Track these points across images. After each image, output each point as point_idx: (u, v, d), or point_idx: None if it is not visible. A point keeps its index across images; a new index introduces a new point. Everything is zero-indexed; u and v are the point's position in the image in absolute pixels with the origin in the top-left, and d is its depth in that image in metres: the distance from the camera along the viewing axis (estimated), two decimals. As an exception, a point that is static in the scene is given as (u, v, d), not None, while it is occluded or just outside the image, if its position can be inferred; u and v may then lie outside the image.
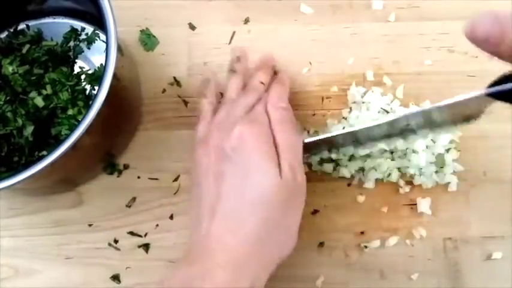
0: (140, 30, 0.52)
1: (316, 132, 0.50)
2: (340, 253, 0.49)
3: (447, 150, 0.49)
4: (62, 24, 0.51)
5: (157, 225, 0.49)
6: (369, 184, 0.49)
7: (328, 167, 0.49)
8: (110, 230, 0.49)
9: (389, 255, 0.49)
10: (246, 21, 0.53)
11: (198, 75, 0.51)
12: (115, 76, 0.38)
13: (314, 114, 0.51)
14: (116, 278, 0.48)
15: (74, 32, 0.50)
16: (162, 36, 0.52)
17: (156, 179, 0.50)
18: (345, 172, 0.49)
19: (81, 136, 0.37)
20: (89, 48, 0.51)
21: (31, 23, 0.51)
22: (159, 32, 0.52)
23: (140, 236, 0.49)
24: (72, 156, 0.38)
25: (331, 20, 0.53)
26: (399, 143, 0.48)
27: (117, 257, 0.49)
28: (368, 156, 0.48)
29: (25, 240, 0.49)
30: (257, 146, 0.39)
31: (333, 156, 0.49)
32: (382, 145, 0.47)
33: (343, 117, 0.50)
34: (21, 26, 0.51)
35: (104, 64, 0.38)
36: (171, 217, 0.49)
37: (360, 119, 0.49)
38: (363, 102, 0.50)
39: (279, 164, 0.39)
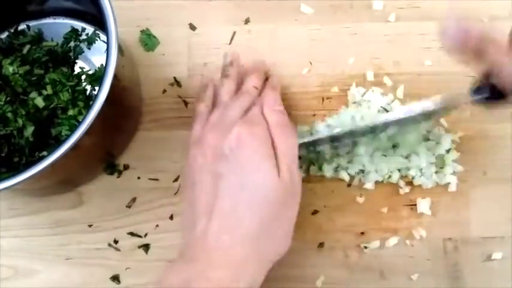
0: (140, 31, 0.53)
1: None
2: (340, 253, 0.49)
3: (447, 151, 0.49)
4: (63, 24, 0.51)
5: (157, 225, 0.49)
6: (369, 185, 0.49)
7: (329, 172, 0.49)
8: (110, 230, 0.49)
9: (389, 255, 0.49)
10: (247, 21, 0.53)
11: (199, 76, 0.51)
12: (115, 76, 0.38)
13: (314, 115, 0.51)
14: (115, 278, 0.48)
15: (74, 33, 0.50)
16: (163, 36, 0.52)
17: (156, 179, 0.50)
18: (344, 175, 0.49)
19: (82, 136, 0.37)
20: (89, 49, 0.51)
21: (31, 23, 0.51)
22: (160, 32, 0.52)
23: (140, 236, 0.49)
24: (73, 156, 0.38)
25: (331, 20, 0.53)
26: (402, 148, 0.48)
27: (117, 258, 0.49)
28: (369, 157, 0.49)
29: (25, 240, 0.49)
30: (256, 147, 0.39)
31: (327, 157, 0.49)
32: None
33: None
34: (22, 27, 0.51)
35: (104, 64, 0.38)
36: (171, 217, 0.49)
37: (357, 118, 0.49)
38: (364, 101, 0.50)
39: (277, 165, 0.39)
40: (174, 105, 0.51)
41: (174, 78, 0.52)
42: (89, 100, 0.47)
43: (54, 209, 0.50)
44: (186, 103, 0.51)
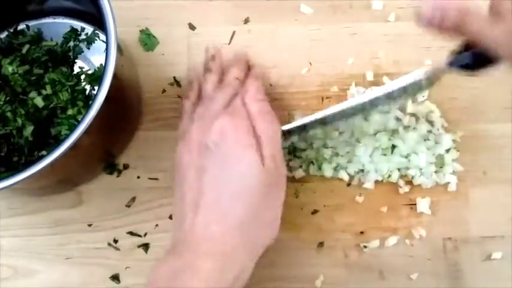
0: (140, 30, 0.53)
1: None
2: (339, 253, 0.49)
3: (447, 151, 0.49)
4: (62, 24, 0.51)
5: (157, 225, 0.49)
6: (369, 184, 0.49)
7: (328, 171, 0.49)
8: (109, 230, 0.49)
9: (388, 255, 0.49)
10: (246, 21, 0.53)
11: (197, 76, 0.51)
12: (115, 76, 0.38)
13: (314, 114, 0.51)
14: (115, 277, 0.48)
15: (73, 32, 0.51)
16: (162, 36, 0.52)
17: (156, 179, 0.50)
18: (344, 175, 0.49)
19: (81, 136, 0.37)
20: (88, 49, 0.51)
21: (31, 23, 0.51)
22: (159, 32, 0.52)
23: (140, 236, 0.49)
24: (72, 156, 0.38)
25: (331, 20, 0.53)
26: (402, 147, 0.48)
27: (117, 257, 0.49)
28: (369, 157, 0.49)
29: (24, 240, 0.49)
30: (238, 138, 0.40)
31: (326, 156, 0.49)
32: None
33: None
34: (21, 26, 0.51)
35: (103, 64, 0.38)
36: (171, 217, 0.49)
37: None
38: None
39: (261, 154, 0.40)
40: (173, 105, 0.51)
41: (174, 78, 0.52)
42: (88, 100, 0.47)
43: (53, 209, 0.50)
44: (185, 103, 0.51)
